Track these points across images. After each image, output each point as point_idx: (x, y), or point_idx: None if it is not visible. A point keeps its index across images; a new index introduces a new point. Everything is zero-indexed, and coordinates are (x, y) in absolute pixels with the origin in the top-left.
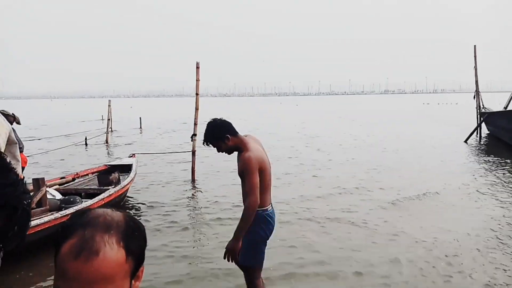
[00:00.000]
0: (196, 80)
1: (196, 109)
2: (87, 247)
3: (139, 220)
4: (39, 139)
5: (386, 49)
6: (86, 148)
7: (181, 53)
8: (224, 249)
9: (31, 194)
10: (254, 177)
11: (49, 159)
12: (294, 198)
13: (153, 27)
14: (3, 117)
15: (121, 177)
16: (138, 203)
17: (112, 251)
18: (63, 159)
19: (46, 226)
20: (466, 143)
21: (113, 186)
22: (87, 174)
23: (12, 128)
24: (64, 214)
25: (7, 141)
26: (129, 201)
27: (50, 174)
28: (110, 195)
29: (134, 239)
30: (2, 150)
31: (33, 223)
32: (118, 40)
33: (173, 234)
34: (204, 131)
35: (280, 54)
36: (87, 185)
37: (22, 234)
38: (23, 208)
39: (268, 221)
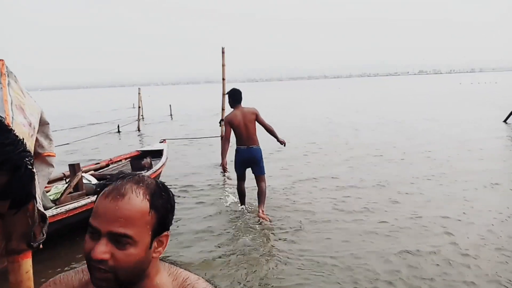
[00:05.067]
0: (222, 66)
1: (223, 94)
2: (116, 190)
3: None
4: (81, 127)
5: (421, 30)
6: (119, 135)
7: (209, 40)
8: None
9: (31, 167)
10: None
11: (83, 147)
12: None
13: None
14: (33, 98)
15: (153, 162)
16: (170, 187)
17: (137, 198)
18: (97, 147)
19: (84, 209)
20: (506, 122)
21: (145, 171)
22: (120, 160)
23: None
24: None
25: (40, 121)
26: None
27: (85, 161)
28: None
29: (160, 198)
30: (36, 130)
31: (71, 206)
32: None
33: (205, 217)
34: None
35: (309, 37)
36: (120, 170)
37: (26, 191)
38: (26, 166)
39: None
